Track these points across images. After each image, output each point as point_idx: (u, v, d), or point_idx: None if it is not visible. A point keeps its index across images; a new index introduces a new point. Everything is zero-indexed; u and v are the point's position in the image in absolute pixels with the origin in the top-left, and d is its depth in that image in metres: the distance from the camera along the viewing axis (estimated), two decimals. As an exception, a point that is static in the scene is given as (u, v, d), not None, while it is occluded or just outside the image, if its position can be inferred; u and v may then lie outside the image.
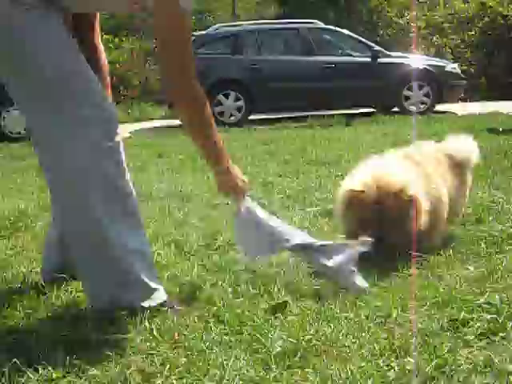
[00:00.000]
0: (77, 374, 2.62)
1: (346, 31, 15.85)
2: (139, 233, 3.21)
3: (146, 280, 3.15)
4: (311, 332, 2.81)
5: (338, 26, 16.45)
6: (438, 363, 2.48)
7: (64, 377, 2.60)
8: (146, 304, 3.13)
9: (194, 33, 17.02)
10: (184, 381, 2.47)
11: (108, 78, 3.69)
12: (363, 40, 15.67)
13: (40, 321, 3.15)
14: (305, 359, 2.59)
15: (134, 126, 17.37)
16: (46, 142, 3.11)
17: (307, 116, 14.17)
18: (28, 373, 2.59)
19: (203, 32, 16.05)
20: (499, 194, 5.41)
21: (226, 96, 14.46)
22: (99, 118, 3.08)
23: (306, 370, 2.48)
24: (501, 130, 10.12)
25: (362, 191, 3.73)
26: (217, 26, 16.72)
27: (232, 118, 14.44)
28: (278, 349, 2.65)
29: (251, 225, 3.51)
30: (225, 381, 2.41)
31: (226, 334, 2.88)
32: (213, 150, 3.30)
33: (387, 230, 3.75)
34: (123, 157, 3.17)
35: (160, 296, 3.20)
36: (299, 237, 3.54)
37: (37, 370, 2.63)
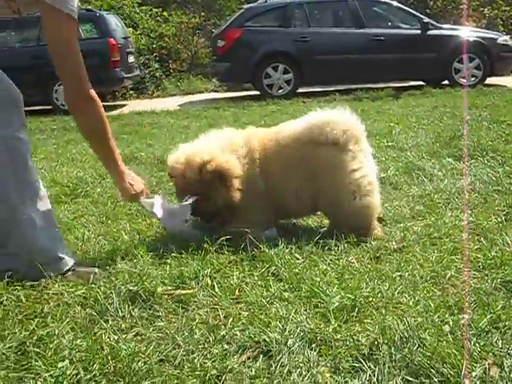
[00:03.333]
0: (144, 325, 2.76)
1: (395, 3, 15.64)
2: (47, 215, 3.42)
3: (48, 249, 3.34)
4: (367, 290, 2.91)
5: (388, -2, 16.32)
6: (492, 319, 2.56)
7: (132, 327, 2.74)
8: (47, 273, 3.28)
9: (244, 6, 17.07)
10: (247, 332, 2.59)
11: None
12: (413, 12, 15.51)
13: (107, 276, 3.31)
14: (362, 314, 2.70)
15: (183, 98, 17.54)
16: None
17: (356, 89, 14.13)
18: (101, 322, 2.75)
19: (252, 5, 16.05)
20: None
21: (275, 69, 14.49)
22: (6, 104, 3.24)
23: (365, 321, 2.59)
24: (552, 102, 10.03)
25: (172, 167, 3.95)
26: (266, -2, 16.70)
27: (280, 90, 14.45)
28: (336, 304, 2.76)
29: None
30: (286, 332, 2.53)
31: (285, 291, 3.00)
32: (110, 161, 3.61)
33: (199, 204, 3.84)
34: (26, 134, 3.37)
35: (65, 264, 3.39)
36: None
37: (107, 321, 2.78)
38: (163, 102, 16.52)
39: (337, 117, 3.94)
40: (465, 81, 14.40)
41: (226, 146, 3.90)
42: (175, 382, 2.29)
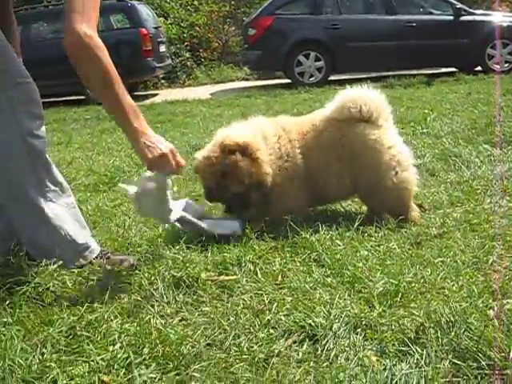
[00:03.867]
0: (189, 310, 2.80)
1: (426, -12, 15.59)
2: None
3: (76, 239, 3.37)
4: (410, 275, 2.93)
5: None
6: (538, 304, 2.56)
7: (177, 312, 2.79)
8: (77, 263, 3.34)
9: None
10: (292, 317, 2.62)
11: (19, 47, 3.62)
12: (445, -3, 15.38)
13: (150, 262, 3.35)
14: (406, 299, 2.71)
15: (214, 87, 17.60)
16: None
17: (387, 76, 14.05)
18: (148, 306, 2.79)
19: (283, -8, 16.03)
20: None
21: (306, 56, 14.47)
22: (19, 100, 3.23)
23: (410, 306, 2.61)
24: None
25: (197, 161, 3.83)
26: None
27: (312, 78, 14.43)
28: (380, 289, 2.78)
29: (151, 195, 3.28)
30: (331, 317, 2.55)
31: (328, 276, 3.02)
32: (117, 109, 3.08)
33: (228, 187, 3.73)
34: (44, 132, 3.36)
35: (92, 252, 3.43)
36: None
37: (152, 306, 2.83)
38: (194, 90, 16.60)
39: (367, 93, 3.98)
40: (498, 67, 14.26)
41: (257, 132, 3.90)
42: (223, 365, 2.32)
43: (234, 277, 3.09)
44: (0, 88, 3.17)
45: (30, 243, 3.42)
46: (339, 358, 2.30)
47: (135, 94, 16.45)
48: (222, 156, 3.71)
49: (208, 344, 2.48)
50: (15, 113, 3.20)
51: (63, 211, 3.37)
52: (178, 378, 2.24)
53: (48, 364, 2.34)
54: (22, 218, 3.37)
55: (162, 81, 18.90)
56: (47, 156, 3.36)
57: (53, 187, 3.35)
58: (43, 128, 3.37)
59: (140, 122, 3.09)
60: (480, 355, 2.20)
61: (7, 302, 2.91)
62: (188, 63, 19.89)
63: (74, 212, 3.45)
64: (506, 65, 14.45)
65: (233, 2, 22.71)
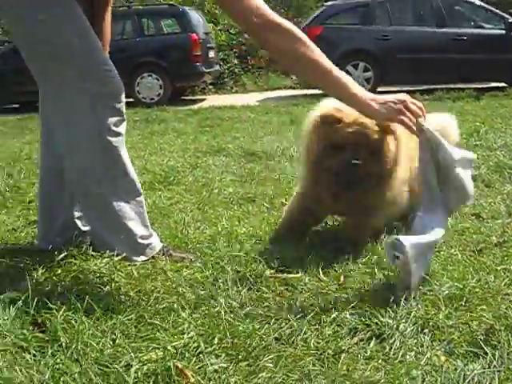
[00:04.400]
0: (254, 305, 2.83)
1: (478, 2, 15.42)
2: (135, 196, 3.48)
3: (139, 236, 3.43)
4: (473, 281, 2.93)
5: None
6: None
7: (243, 307, 2.81)
8: (138, 258, 3.40)
9: (324, 3, 17.10)
10: (357, 316, 2.64)
11: (108, 47, 3.75)
12: (497, 11, 15.25)
13: (211, 259, 3.38)
14: (471, 303, 2.72)
15: (262, 95, 17.67)
16: (52, 112, 3.38)
17: (436, 89, 13.99)
18: (213, 300, 2.83)
19: (334, 2, 16.07)
20: None
21: (355, 66, 14.49)
22: (100, 93, 3.25)
23: (478, 308, 2.62)
24: None
25: (337, 112, 3.28)
26: (346, -4, 16.68)
27: (360, 88, 14.39)
28: (446, 292, 2.79)
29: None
30: (399, 316, 2.57)
31: (391, 278, 3.03)
32: (327, 79, 2.94)
33: (362, 157, 3.26)
34: (123, 129, 3.41)
35: (153, 249, 3.48)
36: None
37: (216, 300, 2.86)
38: (241, 97, 16.68)
39: (450, 120, 4.04)
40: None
41: None
42: (291, 359, 2.35)
43: (298, 275, 3.12)
44: (82, 80, 3.22)
45: (94, 235, 3.50)
46: (408, 357, 2.32)
47: (182, 98, 16.63)
48: (381, 132, 3.25)
49: (276, 338, 2.51)
50: (95, 106, 3.24)
51: (130, 209, 3.42)
52: (249, 368, 2.27)
53: (120, 349, 2.39)
54: (88, 209, 3.45)
55: (210, 86, 19.04)
56: (123, 153, 3.39)
57: (122, 184, 3.40)
58: (123, 125, 3.41)
59: (355, 87, 2.95)
60: (554, 358, 2.20)
61: (73, 290, 2.97)
62: (236, 70, 20.03)
63: (140, 211, 3.49)
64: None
65: (282, 11, 22.81)
